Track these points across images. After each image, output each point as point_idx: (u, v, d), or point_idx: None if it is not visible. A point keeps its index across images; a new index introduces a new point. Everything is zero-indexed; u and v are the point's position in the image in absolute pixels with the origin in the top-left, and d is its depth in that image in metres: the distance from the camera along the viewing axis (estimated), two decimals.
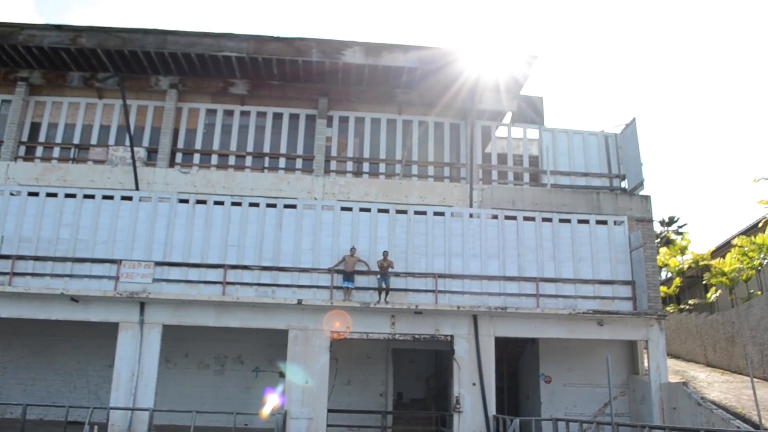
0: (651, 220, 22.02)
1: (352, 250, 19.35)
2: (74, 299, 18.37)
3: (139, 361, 18.08)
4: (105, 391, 19.26)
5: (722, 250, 30.07)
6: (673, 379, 20.43)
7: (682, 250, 32.98)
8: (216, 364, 22.42)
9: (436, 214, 20.50)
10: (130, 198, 19.98)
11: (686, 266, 32.50)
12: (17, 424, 16.04)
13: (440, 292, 19.46)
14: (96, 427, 15.35)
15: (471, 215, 20.59)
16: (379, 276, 19.10)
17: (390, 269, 19.19)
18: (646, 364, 20.55)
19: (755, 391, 15.17)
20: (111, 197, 19.92)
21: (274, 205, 20.13)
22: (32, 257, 19.17)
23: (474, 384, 18.69)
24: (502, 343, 20.23)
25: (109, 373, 18.53)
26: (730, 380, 21.68)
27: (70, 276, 18.98)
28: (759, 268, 26.38)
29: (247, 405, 19.64)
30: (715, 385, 20.60)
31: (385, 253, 19.34)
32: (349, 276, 19.09)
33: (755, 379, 15.66)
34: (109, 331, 18.69)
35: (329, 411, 18.57)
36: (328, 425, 18.38)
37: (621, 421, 17.48)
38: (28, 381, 21.57)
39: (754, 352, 22.46)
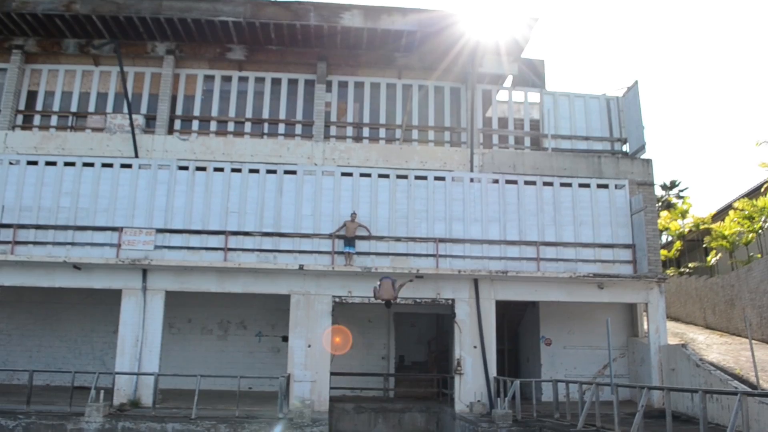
0: (652, 184, 22.01)
1: (353, 215, 19.35)
2: (77, 267, 18.43)
3: (143, 327, 18.22)
4: (110, 357, 19.48)
5: (723, 213, 30.08)
6: (672, 341, 20.61)
7: (683, 214, 32.96)
8: (219, 329, 22.67)
9: (436, 178, 20.42)
10: (129, 165, 19.87)
11: (687, 230, 32.54)
12: (24, 390, 16.19)
13: (441, 256, 19.50)
14: (102, 391, 15.56)
15: (472, 180, 20.52)
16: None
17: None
18: (645, 326, 20.72)
19: (753, 353, 15.33)
20: (110, 165, 19.82)
21: (274, 171, 20.04)
22: (33, 226, 19.13)
23: (475, 347, 18.87)
24: (502, 307, 20.38)
25: (114, 339, 18.70)
26: (728, 342, 21.89)
27: (72, 244, 18.99)
28: (759, 231, 26.41)
29: (250, 369, 19.90)
30: (714, 347, 20.80)
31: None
32: (350, 241, 19.14)
33: (754, 341, 15.79)
34: (113, 297, 18.81)
35: (332, 374, 18.79)
36: (330, 388, 18.62)
37: (620, 382, 17.65)
38: (34, 348, 21.80)
39: (753, 315, 22.62)
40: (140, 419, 15.29)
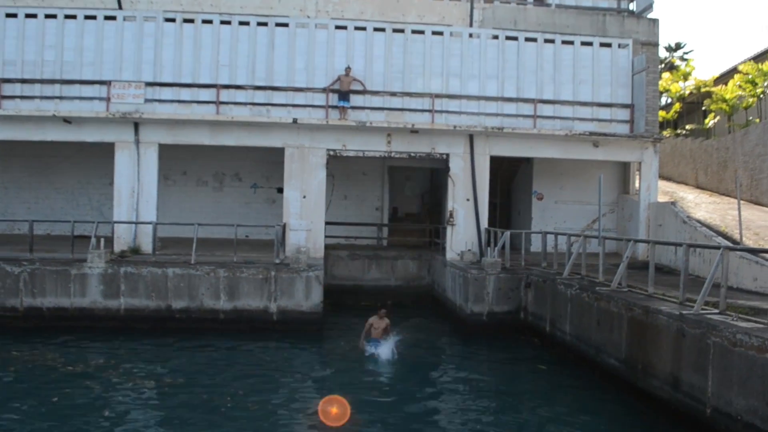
0: (657, 44, 21.51)
1: (347, 69, 18.86)
2: (67, 120, 18.16)
3: (138, 179, 18.29)
4: (107, 208, 19.75)
5: (726, 77, 29.49)
6: (662, 199, 20.93)
7: (685, 76, 32.35)
8: (214, 180, 22.88)
9: (434, 33, 19.72)
10: (113, 18, 19.03)
11: (687, 92, 32.09)
12: (26, 239, 16.56)
13: (437, 111, 19.25)
14: (102, 239, 15.88)
15: (471, 35, 19.85)
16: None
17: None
18: (637, 185, 20.96)
19: (740, 211, 15.54)
20: (94, 17, 18.97)
21: (265, 24, 19.27)
22: (19, 80, 18.65)
23: (468, 199, 19.14)
24: (497, 162, 20.47)
25: (110, 191, 18.88)
26: (717, 202, 22.22)
27: (60, 98, 18.62)
28: (761, 95, 26.04)
29: (246, 218, 20.27)
30: (702, 206, 21.14)
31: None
32: (344, 96, 18.81)
33: (742, 201, 15.99)
34: (106, 151, 18.76)
35: (327, 223, 19.19)
36: (326, 236, 19.09)
37: (608, 235, 18.10)
38: (32, 200, 22.05)
39: (745, 176, 22.81)
40: (141, 265, 15.75)
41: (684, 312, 9.90)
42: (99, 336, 14.69)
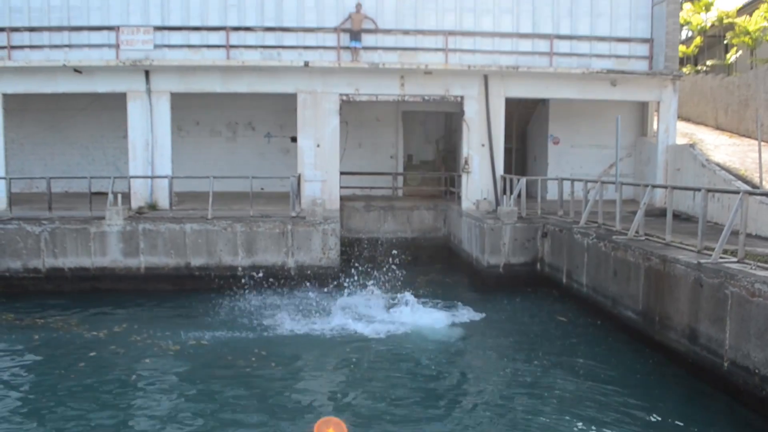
0: None
1: (358, 6, 18.38)
2: (77, 70, 17.90)
3: (151, 131, 18.13)
4: (123, 162, 19.68)
5: (750, 6, 28.31)
6: (681, 141, 20.52)
7: (707, 7, 31.05)
8: (228, 130, 22.72)
9: None
10: None
11: (709, 24, 30.91)
12: (44, 197, 16.62)
13: (450, 50, 18.78)
14: (119, 195, 15.95)
15: None
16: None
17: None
18: (655, 126, 20.55)
19: (761, 154, 15.22)
20: None
21: None
22: (27, 28, 18.33)
23: (483, 145, 18.88)
24: (512, 105, 20.08)
25: (124, 144, 18.77)
26: (737, 143, 21.74)
27: (69, 46, 18.32)
28: None
29: (261, 170, 20.17)
30: (722, 148, 20.70)
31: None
32: (356, 35, 18.38)
33: (763, 142, 15.62)
34: (118, 102, 18.55)
35: (341, 173, 19.10)
36: (340, 187, 19.04)
37: (625, 181, 17.92)
38: (47, 156, 22.07)
39: (766, 116, 22.20)
40: (159, 221, 15.83)
41: (702, 261, 9.87)
42: (122, 299, 14.91)
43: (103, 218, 15.63)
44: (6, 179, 17.12)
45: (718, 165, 17.53)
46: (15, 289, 15.40)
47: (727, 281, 9.07)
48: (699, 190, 11.55)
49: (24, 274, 15.63)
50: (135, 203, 17.65)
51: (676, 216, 14.48)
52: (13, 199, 16.84)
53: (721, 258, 9.88)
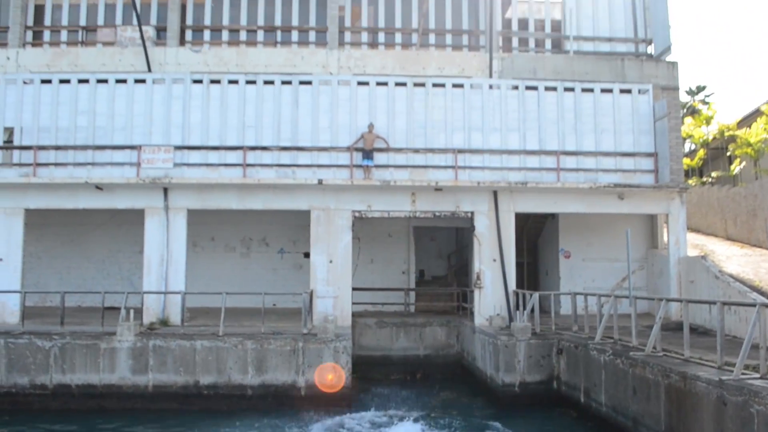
0: (677, 89, 21.36)
1: (370, 126, 19.05)
2: (99, 187, 18.52)
3: (167, 246, 18.48)
4: (137, 277, 19.91)
5: (750, 119, 29.24)
6: (692, 253, 20.58)
7: (708, 121, 32.14)
8: (242, 246, 23.06)
9: (455, 86, 19.87)
10: (143, 81, 19.52)
11: (711, 137, 31.83)
12: (57, 311, 16.69)
13: (460, 167, 19.29)
14: (132, 311, 15.96)
15: (491, 86, 19.96)
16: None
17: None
18: (665, 238, 20.66)
19: None
20: (124, 81, 19.48)
21: (289, 82, 19.62)
22: (53, 147, 19.08)
23: (494, 260, 19.00)
24: (522, 219, 20.39)
25: (140, 259, 19.07)
26: (749, 254, 21.78)
27: (92, 164, 19.00)
28: None
29: (273, 285, 20.32)
30: (734, 259, 20.73)
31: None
32: (368, 154, 18.91)
33: None
34: (136, 217, 19.03)
35: (354, 289, 19.12)
36: (353, 303, 19.00)
37: (639, 294, 17.83)
38: (63, 270, 22.36)
39: None
40: (170, 337, 15.74)
41: (723, 378, 9.58)
42: (128, 420, 14.58)
43: (114, 334, 15.60)
44: (21, 293, 17.26)
45: (731, 276, 17.45)
46: (20, 406, 15.17)
47: (751, 399, 8.79)
48: (714, 303, 11.40)
49: (30, 390, 15.44)
50: (147, 318, 17.66)
51: (693, 329, 14.27)
52: (26, 313, 16.92)
53: (743, 374, 9.61)
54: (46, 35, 21.29)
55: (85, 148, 19.14)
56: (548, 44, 21.84)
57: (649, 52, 21.82)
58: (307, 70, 20.28)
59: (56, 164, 18.97)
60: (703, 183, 31.38)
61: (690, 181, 31.17)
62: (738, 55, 77.87)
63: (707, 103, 39.23)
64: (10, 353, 15.51)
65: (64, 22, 21.25)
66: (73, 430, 14.04)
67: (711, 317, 16.27)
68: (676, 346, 12.36)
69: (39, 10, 21.37)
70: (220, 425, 14.14)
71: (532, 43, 21.85)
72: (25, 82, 19.42)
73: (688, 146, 33.98)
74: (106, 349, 15.53)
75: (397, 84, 19.75)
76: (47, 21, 21.29)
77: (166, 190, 18.70)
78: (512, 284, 18.94)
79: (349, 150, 19.17)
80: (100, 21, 21.26)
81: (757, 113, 28.09)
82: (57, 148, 19.13)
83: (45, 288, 20.25)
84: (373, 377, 18.63)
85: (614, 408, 13.03)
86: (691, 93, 42.16)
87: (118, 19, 21.23)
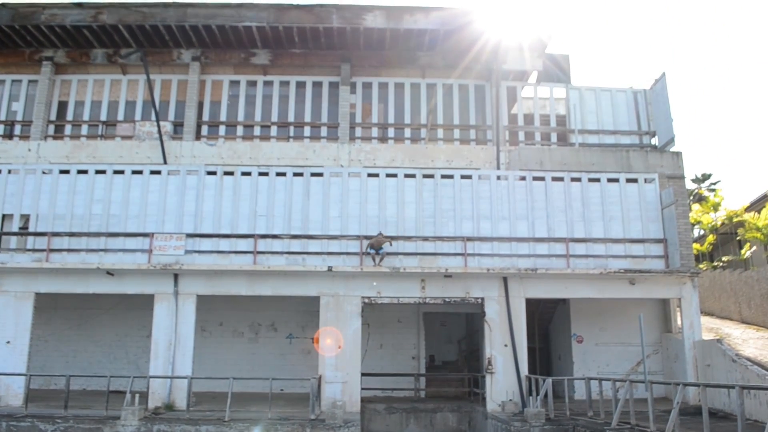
0: (683, 177, 21.59)
1: (379, 235, 19.08)
2: (110, 273, 18.73)
3: (175, 331, 18.45)
4: (144, 361, 19.74)
5: (757, 204, 29.47)
6: (707, 336, 20.22)
7: (715, 207, 32.38)
8: (250, 331, 22.91)
9: (463, 177, 20.29)
10: (158, 172, 20.17)
11: (719, 223, 31.96)
12: (62, 394, 16.61)
13: (469, 255, 19.39)
14: (137, 395, 15.80)
15: (498, 177, 20.36)
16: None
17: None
18: (679, 322, 20.36)
19: None
20: (140, 172, 20.13)
21: (300, 174, 20.16)
22: (67, 233, 19.50)
23: (506, 345, 18.74)
24: (533, 304, 20.22)
25: (147, 344, 18.98)
26: (765, 336, 21.40)
27: (105, 251, 19.31)
28: None
29: (281, 371, 20.05)
30: (750, 342, 20.37)
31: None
32: (377, 250, 19.01)
33: None
34: (145, 302, 19.08)
35: (363, 374, 18.82)
36: (361, 388, 18.66)
37: (654, 379, 17.39)
38: (70, 353, 22.21)
39: None
40: (175, 422, 15.49)
41: None
42: None
43: (118, 418, 15.35)
44: (27, 375, 17.09)
45: (749, 360, 17.09)
46: None
47: None
48: (733, 387, 11.17)
49: None
50: (152, 403, 17.39)
51: (712, 414, 13.84)
52: (30, 395, 16.79)
53: None
54: (68, 129, 22.13)
55: (98, 235, 19.52)
56: (554, 137, 22.34)
57: (653, 143, 22.17)
58: (318, 163, 20.83)
59: (69, 250, 19.29)
60: (715, 267, 31.23)
61: (701, 266, 31.03)
62: (742, 142, 79.36)
63: (713, 190, 39.70)
64: None
65: (86, 117, 22.16)
66: None
67: (730, 401, 15.81)
68: (695, 431, 11.96)
69: (62, 106, 22.35)
70: None
71: (538, 137, 22.35)
72: (44, 172, 20.10)
73: (696, 232, 34.11)
74: None
75: (406, 175, 20.18)
76: (69, 116, 22.20)
77: (176, 276, 18.88)
78: (524, 369, 18.58)
79: (359, 238, 19.37)
80: (120, 116, 22.12)
81: (764, 198, 28.35)
82: (71, 234, 19.52)
83: (50, 371, 20.05)
84: None
85: None
86: (697, 180, 42.76)
87: (138, 115, 22.09)
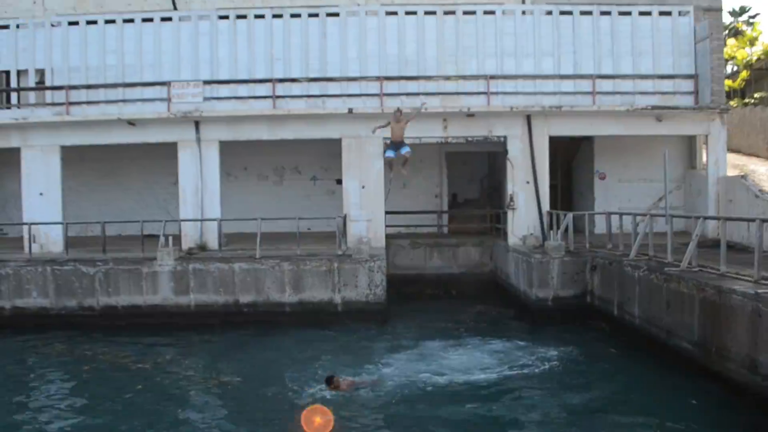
0: (719, 10, 20.62)
1: (398, 112, 15.15)
2: (131, 123, 18.76)
3: (201, 177, 18.76)
4: (174, 206, 20.33)
5: None
6: (732, 173, 20.09)
7: (752, 41, 30.92)
8: (274, 174, 23.35)
9: (486, 12, 19.45)
10: (169, 19, 19.63)
11: (755, 58, 30.63)
12: (99, 240, 17.41)
13: (492, 93, 18.92)
14: (171, 237, 16.43)
15: (524, 12, 19.56)
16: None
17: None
18: (704, 159, 20.17)
19: None
20: (151, 20, 19.59)
21: (316, 15, 19.46)
22: (84, 86, 19.36)
23: (528, 182, 18.80)
24: (556, 142, 20.02)
25: (175, 190, 19.42)
26: None
27: (123, 101, 19.24)
28: None
29: (307, 211, 20.53)
30: None
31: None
32: (397, 146, 15.05)
33: None
34: (170, 150, 19.26)
35: (387, 213, 19.25)
36: (386, 226, 19.19)
37: (675, 213, 17.54)
38: (102, 202, 22.89)
39: None
40: (209, 261, 16.23)
41: (760, 291, 9.53)
42: (173, 332, 15.24)
43: (154, 259, 16.13)
44: (63, 224, 17.79)
45: None
46: (71, 325, 15.88)
47: None
48: (753, 220, 11.25)
49: (79, 312, 16.22)
50: (185, 245, 18.09)
51: (731, 247, 13.97)
52: (69, 243, 17.49)
53: None
54: None
55: (115, 86, 19.40)
56: None
57: None
58: (334, 2, 20.01)
59: (88, 102, 19.26)
60: (746, 104, 30.35)
61: (732, 102, 30.18)
62: None
63: (752, 24, 37.65)
64: (57, 279, 16.26)
65: None
66: (125, 341, 14.74)
67: (749, 234, 15.93)
68: (712, 262, 12.17)
69: None
70: (265, 335, 14.90)
71: None
72: (53, 25, 19.66)
73: (730, 68, 32.80)
74: (148, 273, 16.14)
75: (426, 12, 19.39)
76: None
77: (197, 124, 18.84)
78: (546, 205, 18.78)
79: (379, 80, 18.91)
80: None
81: None
82: (88, 87, 19.41)
83: (85, 219, 20.77)
84: (408, 293, 18.96)
85: (647, 320, 13.04)
86: (734, 14, 40.48)
87: None
